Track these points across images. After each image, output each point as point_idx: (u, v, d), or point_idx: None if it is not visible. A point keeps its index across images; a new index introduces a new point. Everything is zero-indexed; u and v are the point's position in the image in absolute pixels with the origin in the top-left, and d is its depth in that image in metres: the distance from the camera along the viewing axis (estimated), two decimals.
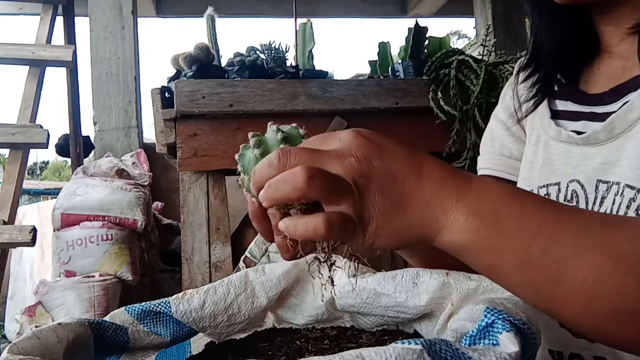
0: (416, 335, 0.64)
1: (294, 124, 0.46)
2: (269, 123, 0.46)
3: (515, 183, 0.67)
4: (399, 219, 0.38)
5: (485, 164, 0.72)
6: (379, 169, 0.37)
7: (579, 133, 0.58)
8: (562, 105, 0.62)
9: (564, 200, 0.57)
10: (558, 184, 0.59)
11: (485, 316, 0.44)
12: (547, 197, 0.60)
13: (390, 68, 1.80)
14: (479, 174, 0.73)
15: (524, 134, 0.68)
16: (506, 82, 1.56)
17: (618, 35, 0.56)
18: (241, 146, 0.46)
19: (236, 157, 0.46)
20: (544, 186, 0.60)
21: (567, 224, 0.36)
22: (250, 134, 0.46)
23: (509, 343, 0.40)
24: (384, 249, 0.42)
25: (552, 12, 0.60)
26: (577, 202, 0.56)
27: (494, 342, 0.41)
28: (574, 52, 0.61)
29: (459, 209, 0.37)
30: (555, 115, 0.62)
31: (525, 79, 0.66)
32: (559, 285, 0.36)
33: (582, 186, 0.56)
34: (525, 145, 0.67)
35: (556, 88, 0.64)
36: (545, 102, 0.63)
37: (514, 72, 0.71)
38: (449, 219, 0.37)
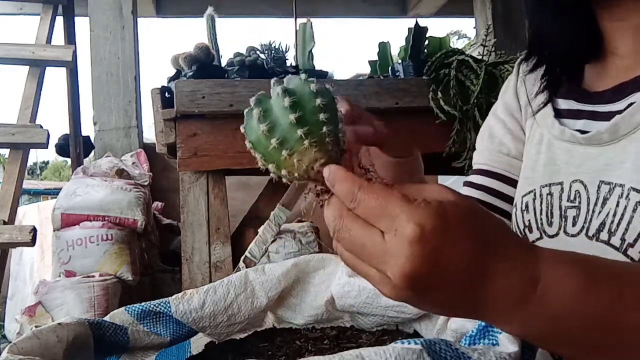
0: (416, 335, 0.64)
1: (302, 75, 0.38)
2: (272, 81, 0.38)
3: (513, 180, 0.67)
4: (438, 312, 0.40)
5: (482, 160, 0.72)
6: (425, 288, 0.34)
7: (582, 132, 0.57)
8: (564, 103, 0.62)
9: (567, 200, 0.57)
10: (561, 183, 0.58)
11: None
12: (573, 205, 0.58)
13: (390, 68, 1.80)
14: (474, 168, 0.73)
15: (523, 132, 0.68)
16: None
17: (622, 32, 0.56)
18: (245, 112, 0.40)
19: (242, 128, 0.40)
20: (546, 185, 0.60)
21: (635, 318, 0.35)
22: (252, 100, 0.39)
23: (508, 343, 0.41)
24: None
25: (554, 8, 0.58)
26: (580, 202, 0.55)
27: (494, 342, 0.41)
28: (577, 50, 0.60)
29: (518, 316, 0.35)
30: (558, 114, 0.62)
31: (530, 71, 0.65)
32: None
33: (585, 186, 0.55)
34: (523, 144, 0.67)
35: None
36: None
37: (515, 68, 0.70)
38: (506, 322, 0.36)
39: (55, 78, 2.83)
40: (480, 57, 1.61)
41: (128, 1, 2.79)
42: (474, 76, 1.54)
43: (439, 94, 1.55)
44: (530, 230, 0.61)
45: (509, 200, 0.68)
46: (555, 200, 0.58)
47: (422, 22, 1.78)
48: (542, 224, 0.59)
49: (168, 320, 0.61)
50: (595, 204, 0.54)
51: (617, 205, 0.51)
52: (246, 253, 1.58)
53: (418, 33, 1.74)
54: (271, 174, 0.39)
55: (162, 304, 0.61)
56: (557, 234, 0.57)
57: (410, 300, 0.35)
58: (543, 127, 0.62)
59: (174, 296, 0.62)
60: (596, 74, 0.60)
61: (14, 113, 2.06)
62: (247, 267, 1.54)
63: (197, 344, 0.68)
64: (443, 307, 0.36)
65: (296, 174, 0.37)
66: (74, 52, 2.26)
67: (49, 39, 2.25)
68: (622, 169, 0.52)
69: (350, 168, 0.37)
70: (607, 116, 0.55)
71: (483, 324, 0.44)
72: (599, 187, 0.54)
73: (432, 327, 0.62)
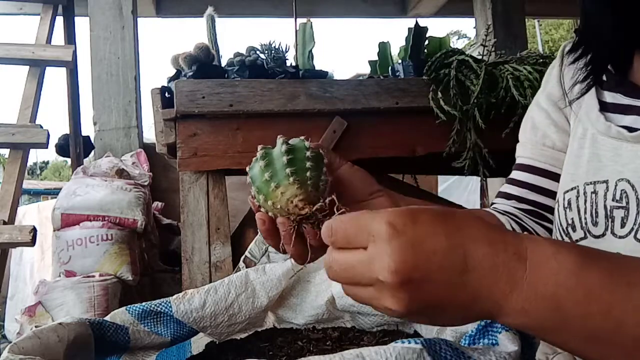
0: (416, 335, 0.65)
1: (302, 137, 0.47)
2: (279, 136, 0.47)
3: (557, 175, 0.64)
4: (446, 319, 0.37)
5: (526, 153, 0.69)
6: (417, 282, 0.34)
7: (630, 129, 0.55)
8: (610, 97, 0.59)
9: (612, 200, 0.54)
10: (606, 182, 0.55)
11: None
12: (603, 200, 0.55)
13: (390, 68, 1.80)
14: (517, 162, 0.70)
15: (568, 123, 0.64)
16: (507, 82, 1.56)
17: None
18: (253, 159, 0.47)
19: (247, 169, 0.47)
20: (591, 183, 0.57)
21: (629, 297, 0.33)
22: (259, 147, 0.47)
23: (508, 342, 0.41)
24: None
25: None
26: (628, 202, 0.53)
27: (494, 341, 0.42)
28: (626, 40, 0.56)
29: (513, 299, 0.35)
30: (604, 107, 0.59)
31: (574, 61, 0.62)
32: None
33: (632, 186, 0.53)
34: (569, 135, 0.64)
35: (605, 78, 0.60)
36: (592, 93, 0.60)
37: (559, 54, 0.67)
38: (504, 308, 0.35)
39: (55, 78, 2.83)
40: (480, 57, 1.61)
41: (128, 1, 2.79)
42: (474, 76, 1.54)
43: (439, 94, 1.55)
44: (574, 229, 0.58)
45: (555, 196, 0.64)
46: (600, 199, 0.56)
47: (422, 22, 1.78)
48: (586, 223, 0.57)
49: (169, 320, 0.61)
50: None
51: None
52: (246, 253, 1.58)
53: (418, 33, 1.74)
54: (261, 209, 0.46)
55: (162, 303, 0.61)
56: (603, 235, 0.55)
57: (409, 304, 0.35)
58: (586, 121, 0.60)
59: (174, 296, 0.62)
60: None
61: (14, 113, 2.07)
62: (247, 267, 1.54)
63: (198, 343, 0.68)
64: (440, 306, 0.36)
65: (279, 205, 0.43)
66: (74, 52, 2.26)
67: (49, 39, 2.25)
68: None
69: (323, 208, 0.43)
70: None
71: (483, 323, 0.44)
72: None
73: (432, 327, 0.62)
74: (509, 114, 1.52)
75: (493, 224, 0.37)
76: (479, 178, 1.63)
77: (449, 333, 0.51)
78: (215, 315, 0.62)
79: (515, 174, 0.70)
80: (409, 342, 0.38)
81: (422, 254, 0.34)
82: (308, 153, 0.45)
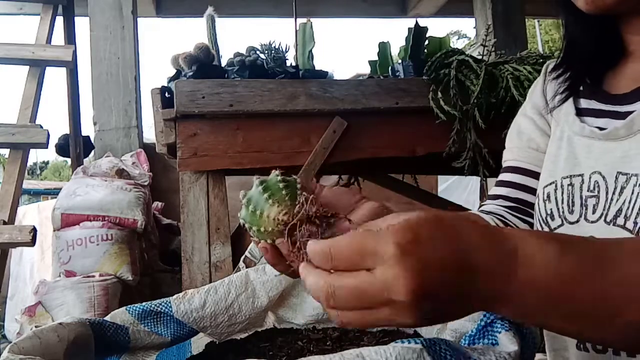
0: (416, 335, 0.65)
1: (273, 171, 0.51)
2: (254, 177, 0.51)
3: (539, 174, 0.71)
4: (452, 319, 0.41)
5: (512, 156, 0.76)
6: (432, 297, 0.36)
7: (600, 129, 0.62)
8: (586, 103, 0.67)
9: (587, 190, 0.62)
10: (582, 175, 0.63)
11: (485, 315, 0.44)
12: (575, 187, 0.63)
13: (390, 68, 1.80)
14: (504, 165, 0.77)
15: (549, 128, 0.72)
16: (507, 82, 1.56)
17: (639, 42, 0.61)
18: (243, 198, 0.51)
19: (239, 215, 0.51)
20: (567, 177, 0.64)
21: (615, 280, 0.37)
22: (240, 193, 0.51)
23: (508, 342, 0.41)
24: None
25: (581, 17, 0.63)
26: (599, 191, 0.60)
27: (493, 341, 0.42)
28: (602, 55, 0.65)
29: (509, 294, 0.38)
30: (580, 112, 0.66)
31: (556, 77, 0.70)
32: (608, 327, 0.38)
33: (604, 177, 0.60)
34: (549, 139, 0.72)
35: (581, 88, 0.68)
36: (570, 101, 0.68)
37: (543, 71, 0.75)
38: (501, 303, 0.38)
39: (55, 78, 2.83)
40: (480, 57, 1.61)
41: (128, 1, 2.80)
42: (474, 76, 1.54)
43: (439, 94, 1.55)
44: (552, 218, 0.65)
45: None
46: (576, 190, 0.63)
47: (422, 22, 1.78)
48: (563, 212, 0.64)
49: (169, 320, 0.61)
50: (614, 193, 0.58)
51: (632, 193, 0.56)
52: (246, 253, 1.58)
53: (418, 33, 1.74)
54: (254, 238, 0.50)
55: (163, 303, 0.61)
56: (577, 221, 0.62)
57: (425, 317, 0.37)
58: (564, 124, 0.67)
59: (174, 296, 0.62)
60: (616, 77, 0.65)
61: (14, 113, 2.07)
62: (247, 267, 1.54)
63: (198, 344, 0.68)
64: (451, 312, 0.38)
65: (270, 228, 0.48)
66: (74, 52, 2.26)
67: (49, 39, 2.25)
68: (637, 161, 0.57)
69: (306, 215, 0.47)
70: (626, 116, 0.60)
71: (482, 323, 0.44)
72: (616, 177, 0.58)
73: (432, 327, 0.62)
74: (509, 114, 1.52)
75: (484, 224, 0.40)
76: (479, 178, 1.63)
77: (448, 333, 0.51)
78: (215, 315, 0.62)
79: (502, 176, 0.77)
80: (409, 342, 0.38)
81: (434, 271, 0.36)
82: (279, 178, 0.50)
